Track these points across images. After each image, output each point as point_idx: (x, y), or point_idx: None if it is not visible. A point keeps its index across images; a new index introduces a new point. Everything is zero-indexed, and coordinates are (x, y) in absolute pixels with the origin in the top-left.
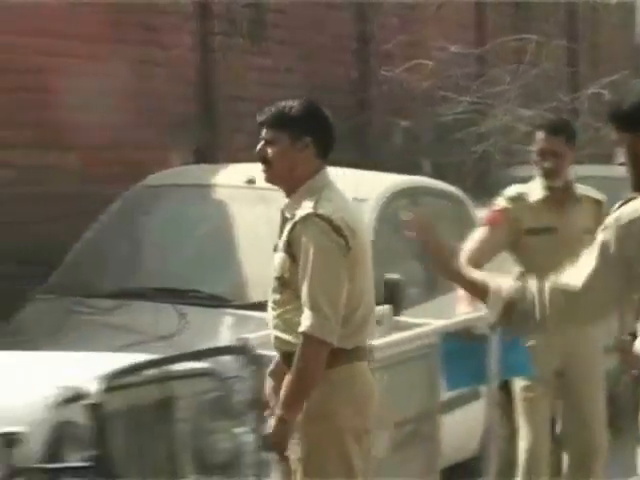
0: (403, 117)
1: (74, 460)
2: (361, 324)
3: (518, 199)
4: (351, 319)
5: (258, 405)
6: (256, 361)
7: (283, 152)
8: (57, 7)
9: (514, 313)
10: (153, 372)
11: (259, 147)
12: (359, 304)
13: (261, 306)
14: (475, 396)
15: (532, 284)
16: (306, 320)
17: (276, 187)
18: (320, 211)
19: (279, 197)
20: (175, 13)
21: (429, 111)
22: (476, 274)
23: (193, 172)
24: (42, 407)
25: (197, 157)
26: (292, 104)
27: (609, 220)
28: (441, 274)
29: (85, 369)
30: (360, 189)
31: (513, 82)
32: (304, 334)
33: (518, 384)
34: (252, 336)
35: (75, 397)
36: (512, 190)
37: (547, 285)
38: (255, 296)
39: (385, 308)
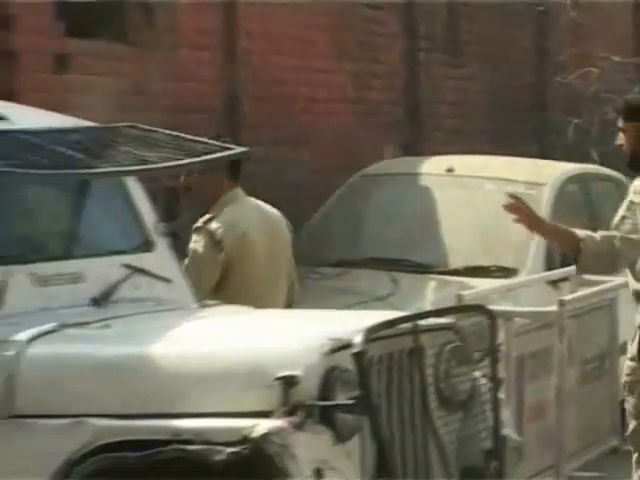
0: (575, 116)
1: (342, 399)
2: None
3: None
4: None
5: (491, 353)
6: (489, 315)
7: None
8: (295, 32)
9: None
10: (405, 326)
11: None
12: None
13: (459, 272)
14: None
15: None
16: None
17: (471, 174)
18: None
19: (474, 183)
20: (386, 34)
21: (596, 110)
22: (564, 227)
23: (402, 163)
24: (316, 354)
25: (405, 151)
26: None
27: None
28: (538, 233)
29: (349, 324)
30: (539, 175)
31: None
32: None
33: None
34: (466, 293)
35: (343, 346)
36: None
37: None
38: (455, 263)
39: (572, 268)
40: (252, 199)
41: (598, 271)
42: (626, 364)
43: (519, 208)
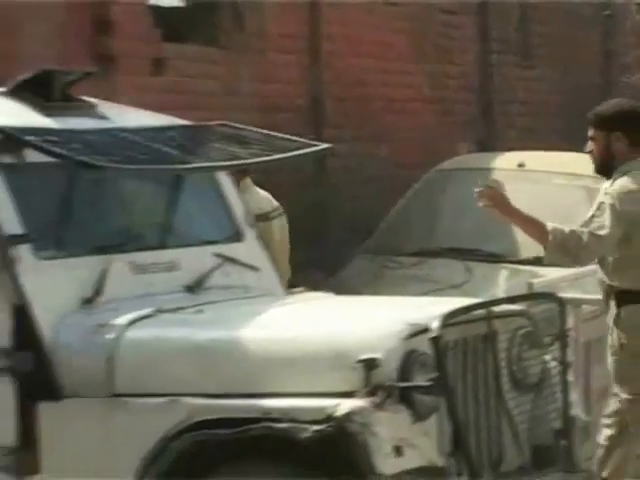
0: None
1: (420, 380)
2: None
3: None
4: None
5: (561, 338)
6: (559, 303)
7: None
8: (375, 35)
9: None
10: (479, 312)
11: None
12: None
13: (529, 261)
14: None
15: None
16: None
17: (542, 169)
18: None
19: (543, 177)
20: (461, 38)
21: None
22: (535, 218)
23: (476, 159)
24: (395, 339)
25: (479, 148)
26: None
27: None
28: (509, 220)
29: (426, 310)
30: None
31: None
32: None
33: None
34: (536, 281)
35: (420, 331)
36: None
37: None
38: (525, 253)
39: None
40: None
41: (563, 263)
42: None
43: (492, 195)
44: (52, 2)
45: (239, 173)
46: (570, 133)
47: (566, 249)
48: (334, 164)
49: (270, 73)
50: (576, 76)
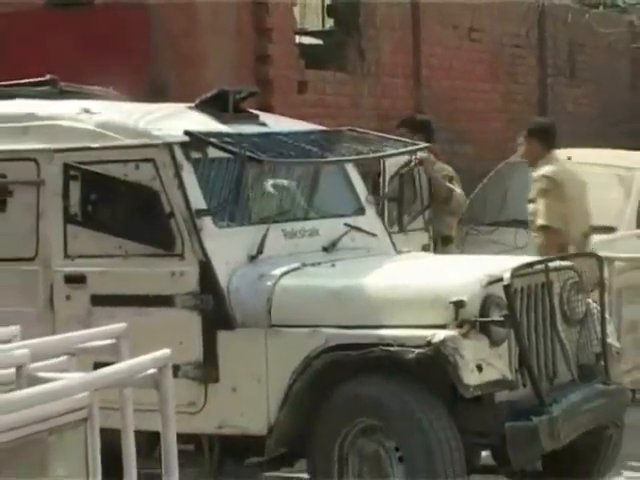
0: None
1: (495, 316)
2: None
3: None
4: None
5: (600, 286)
6: (598, 260)
7: None
8: (462, 64)
9: None
10: (539, 267)
11: None
12: None
13: None
14: None
15: None
16: None
17: (584, 162)
18: None
19: (586, 167)
20: (525, 65)
21: None
22: None
23: None
24: (477, 286)
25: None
26: None
27: None
28: None
29: (500, 265)
30: (634, 162)
31: None
32: None
33: None
34: None
35: (496, 280)
36: None
37: None
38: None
39: None
40: None
41: None
42: None
43: None
44: (226, 40)
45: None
46: (605, 135)
47: None
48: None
49: (384, 92)
50: (609, 93)
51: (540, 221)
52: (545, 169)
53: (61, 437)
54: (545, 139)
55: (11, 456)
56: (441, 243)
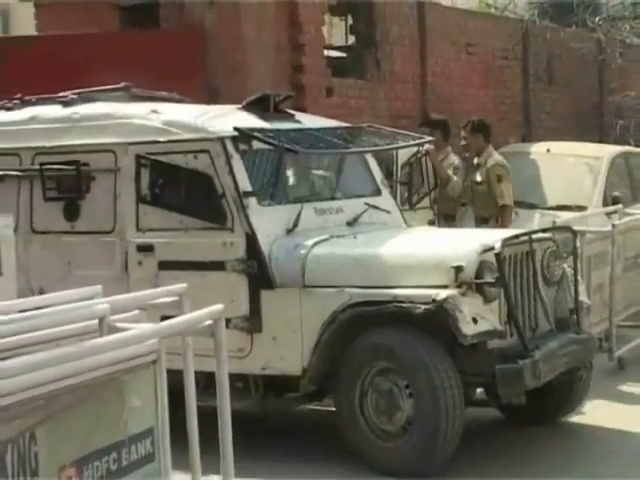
0: (620, 119)
1: (488, 278)
2: None
3: None
4: None
5: (573, 254)
6: (572, 232)
7: None
8: (460, 73)
9: None
10: (524, 238)
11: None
12: None
13: (553, 208)
14: None
15: None
16: None
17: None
18: None
19: (562, 157)
20: (512, 74)
21: (632, 116)
22: None
23: (520, 146)
24: (474, 253)
25: (522, 140)
26: None
27: None
28: None
29: (492, 236)
30: (600, 152)
31: None
32: None
33: None
34: (558, 220)
35: (489, 249)
36: None
37: None
38: (551, 203)
39: (619, 206)
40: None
41: None
42: None
43: None
44: (267, 54)
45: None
46: (577, 131)
47: None
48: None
49: (396, 95)
50: (580, 97)
51: (502, 201)
52: (496, 158)
53: (135, 376)
54: (487, 134)
55: (96, 391)
56: (444, 220)
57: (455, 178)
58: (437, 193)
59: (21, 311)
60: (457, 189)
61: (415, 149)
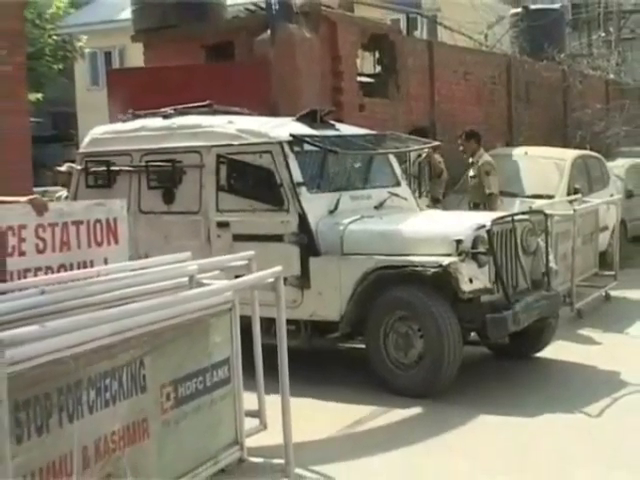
0: (580, 130)
1: (481, 249)
2: None
3: None
4: None
5: (545, 231)
6: (544, 215)
7: None
8: (459, 94)
9: None
10: (508, 219)
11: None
12: None
13: (530, 196)
14: None
15: None
16: None
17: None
18: None
19: (536, 159)
20: (499, 94)
21: (589, 128)
22: None
23: (505, 150)
24: (471, 230)
25: (506, 145)
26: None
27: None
28: None
29: (485, 217)
30: (564, 155)
31: None
32: None
33: None
34: (533, 206)
35: (482, 226)
36: None
37: None
38: (528, 192)
39: (579, 195)
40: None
41: None
42: None
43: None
44: (315, 80)
45: (432, 151)
46: (548, 139)
47: None
48: (441, 152)
49: (411, 111)
50: (550, 113)
51: (490, 191)
52: (486, 158)
53: (217, 319)
54: (478, 139)
55: (188, 330)
56: (432, 203)
57: (445, 174)
58: (430, 182)
59: (133, 270)
60: (445, 180)
61: (425, 151)
